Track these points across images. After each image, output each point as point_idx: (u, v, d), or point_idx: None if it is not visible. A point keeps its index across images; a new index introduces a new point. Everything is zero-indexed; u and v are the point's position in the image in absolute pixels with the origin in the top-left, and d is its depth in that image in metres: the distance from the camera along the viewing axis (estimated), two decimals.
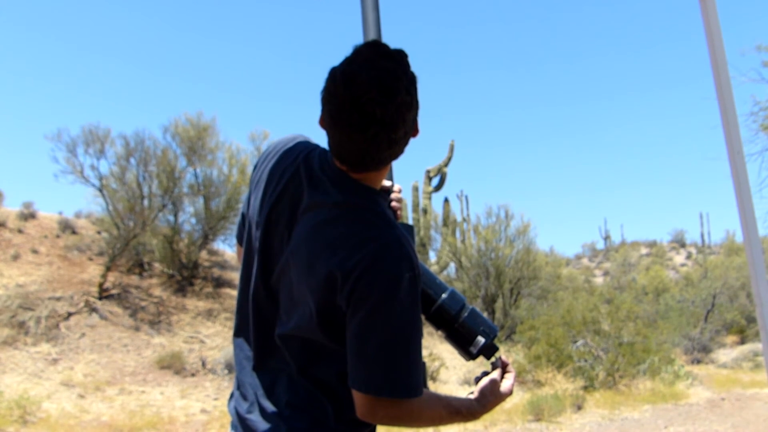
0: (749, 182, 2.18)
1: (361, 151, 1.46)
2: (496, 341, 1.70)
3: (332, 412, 1.52)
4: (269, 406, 1.54)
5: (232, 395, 1.69)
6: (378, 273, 1.42)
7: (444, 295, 1.68)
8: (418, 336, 1.46)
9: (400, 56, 1.47)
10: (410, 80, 1.46)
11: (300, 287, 1.51)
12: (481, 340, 1.65)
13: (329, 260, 1.44)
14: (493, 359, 1.69)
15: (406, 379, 1.44)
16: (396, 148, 1.48)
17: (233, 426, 1.65)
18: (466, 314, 1.67)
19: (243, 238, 1.73)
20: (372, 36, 2.22)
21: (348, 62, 1.44)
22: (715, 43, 2.22)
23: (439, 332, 1.70)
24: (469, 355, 1.68)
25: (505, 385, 1.65)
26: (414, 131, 1.51)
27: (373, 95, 1.39)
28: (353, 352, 1.44)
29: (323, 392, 1.52)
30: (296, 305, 1.53)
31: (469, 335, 1.67)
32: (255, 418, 1.55)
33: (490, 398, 1.61)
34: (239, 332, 1.69)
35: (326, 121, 1.47)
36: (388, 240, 1.46)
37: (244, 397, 1.61)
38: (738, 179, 2.17)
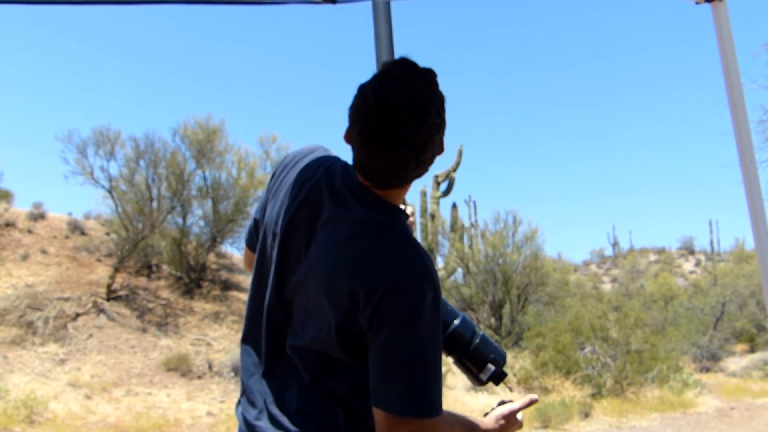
0: (761, 190, 2.17)
1: (389, 171, 1.47)
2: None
3: (343, 422, 1.51)
4: (279, 414, 1.52)
5: (239, 401, 1.68)
6: (402, 293, 1.42)
7: (456, 321, 1.68)
8: (439, 355, 1.46)
9: (430, 76, 1.47)
10: (440, 101, 1.47)
11: (319, 301, 1.50)
12: (491, 367, 1.67)
13: (352, 278, 1.44)
14: (501, 385, 1.71)
15: (428, 399, 1.43)
16: (423, 168, 1.50)
17: None
18: (477, 341, 1.68)
19: (254, 244, 1.73)
20: (384, 43, 2.22)
21: (379, 81, 1.43)
22: (727, 51, 2.21)
23: (449, 357, 1.70)
24: (479, 381, 1.70)
25: (520, 416, 1.68)
26: (440, 150, 1.52)
27: (405, 117, 1.39)
28: (376, 371, 1.43)
29: (335, 402, 1.51)
30: (313, 318, 1.52)
31: (480, 361, 1.68)
32: (264, 425, 1.54)
33: (504, 424, 1.64)
34: (248, 338, 1.68)
35: (354, 139, 1.47)
36: (412, 260, 1.46)
37: (253, 404, 1.60)
38: (750, 187, 2.16)
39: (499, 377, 1.68)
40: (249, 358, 1.65)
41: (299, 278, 1.54)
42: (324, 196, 1.55)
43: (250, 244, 1.77)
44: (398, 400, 1.41)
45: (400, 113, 1.39)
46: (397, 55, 2.04)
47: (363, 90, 1.44)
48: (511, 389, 1.89)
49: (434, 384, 1.44)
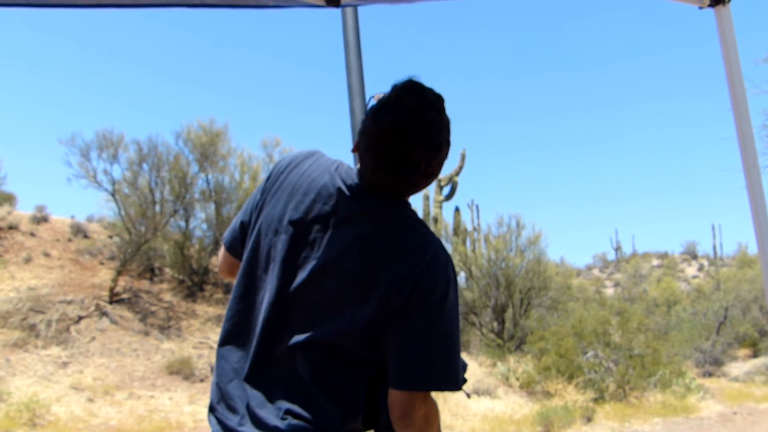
0: (764, 195, 2.17)
1: (400, 190, 1.58)
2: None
3: (337, 420, 1.51)
4: (266, 416, 1.52)
5: (212, 409, 1.65)
6: (433, 276, 1.52)
7: None
8: (459, 333, 1.56)
9: (439, 103, 1.56)
10: (448, 128, 1.57)
11: (342, 294, 1.54)
12: None
13: (386, 266, 1.52)
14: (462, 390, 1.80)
15: (457, 373, 1.53)
16: (429, 184, 1.60)
17: None
18: None
19: (237, 247, 1.74)
20: (352, 48, 2.24)
21: (395, 112, 1.51)
22: (731, 56, 2.21)
23: None
24: None
25: None
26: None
27: (421, 152, 1.50)
28: (407, 350, 1.50)
29: (331, 399, 1.52)
30: (330, 312, 1.54)
31: None
32: (248, 430, 1.53)
33: None
34: (230, 342, 1.67)
35: (367, 161, 1.55)
36: (437, 246, 1.57)
37: (233, 410, 1.58)
38: (753, 192, 2.16)
39: (462, 381, 1.76)
40: (227, 364, 1.64)
41: (311, 274, 1.56)
42: (338, 194, 1.59)
43: (233, 247, 1.77)
44: (431, 375, 1.50)
45: (416, 148, 1.49)
46: (364, 58, 2.12)
47: (378, 118, 1.52)
48: (468, 395, 1.98)
49: (459, 359, 1.55)
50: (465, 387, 1.78)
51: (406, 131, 1.48)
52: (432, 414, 1.53)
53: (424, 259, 1.53)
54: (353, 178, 1.61)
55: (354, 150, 1.59)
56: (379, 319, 1.50)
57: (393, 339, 1.51)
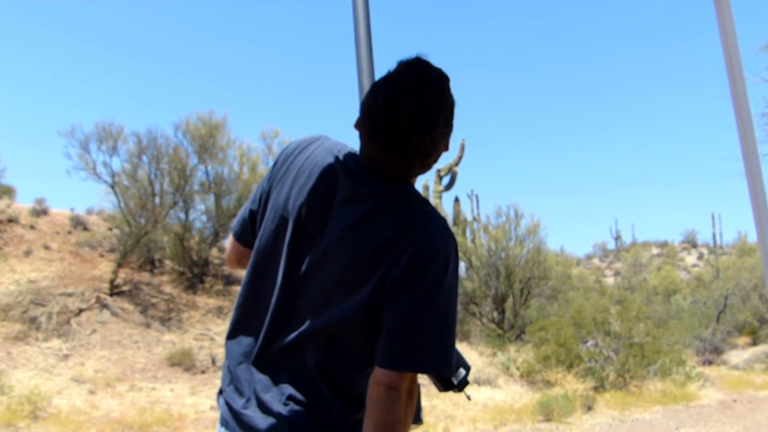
0: (764, 182, 2.16)
1: (394, 170, 1.53)
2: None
3: (338, 411, 1.52)
4: (269, 400, 1.53)
5: (221, 391, 1.67)
6: (433, 250, 1.47)
7: None
8: (456, 315, 1.51)
9: (443, 82, 1.51)
10: (449, 109, 1.52)
11: (345, 277, 1.51)
12: (462, 371, 1.71)
13: (386, 247, 1.48)
14: (464, 392, 1.76)
15: (450, 359, 1.48)
16: (427, 168, 1.56)
17: (222, 423, 1.63)
18: None
19: (246, 236, 1.73)
20: (363, 36, 2.22)
21: (392, 86, 1.48)
22: (730, 43, 2.20)
23: None
24: (447, 386, 1.72)
25: None
26: (445, 149, 1.57)
27: (413, 127, 1.45)
28: (398, 328, 1.45)
29: (334, 390, 1.52)
30: (334, 297, 1.52)
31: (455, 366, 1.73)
32: (252, 413, 1.54)
33: None
34: (240, 328, 1.67)
35: (363, 136, 1.53)
36: (439, 222, 1.53)
37: (240, 393, 1.60)
38: (752, 179, 2.15)
39: (465, 383, 1.74)
40: (238, 347, 1.65)
41: (316, 259, 1.55)
42: (340, 177, 1.57)
43: (242, 236, 1.76)
44: (420, 357, 1.44)
45: (409, 123, 1.45)
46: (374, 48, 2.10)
47: (376, 92, 1.49)
48: (469, 398, 1.93)
49: (454, 344, 1.49)
50: (466, 389, 1.77)
51: (399, 105, 1.44)
52: (414, 393, 1.47)
53: (424, 233, 1.48)
54: (355, 159, 1.59)
55: (355, 126, 1.56)
56: (377, 299, 1.47)
57: (385, 316, 1.46)
